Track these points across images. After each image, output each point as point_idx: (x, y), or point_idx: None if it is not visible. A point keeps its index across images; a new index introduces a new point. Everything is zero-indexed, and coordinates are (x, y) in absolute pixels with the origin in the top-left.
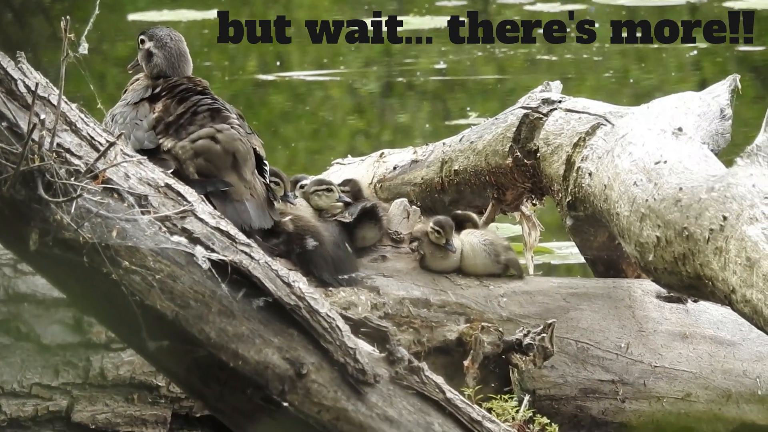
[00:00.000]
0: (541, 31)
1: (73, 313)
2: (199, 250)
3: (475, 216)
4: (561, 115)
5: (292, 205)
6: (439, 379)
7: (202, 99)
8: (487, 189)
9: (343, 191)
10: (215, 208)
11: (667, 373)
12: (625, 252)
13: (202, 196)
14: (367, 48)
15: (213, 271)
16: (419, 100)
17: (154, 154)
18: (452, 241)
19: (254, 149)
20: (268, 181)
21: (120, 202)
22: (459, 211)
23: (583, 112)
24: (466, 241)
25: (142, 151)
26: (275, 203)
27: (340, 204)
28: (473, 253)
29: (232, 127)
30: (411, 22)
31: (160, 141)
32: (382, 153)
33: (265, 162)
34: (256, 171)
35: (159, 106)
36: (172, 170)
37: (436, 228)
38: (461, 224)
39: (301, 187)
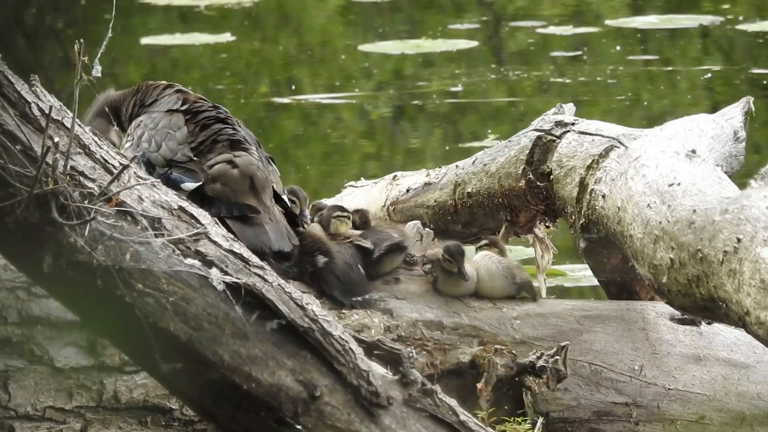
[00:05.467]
0: (553, 53)
1: (87, 335)
2: (214, 272)
3: (501, 242)
4: (574, 138)
5: (306, 225)
6: (453, 402)
7: (224, 128)
8: (501, 211)
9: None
10: (233, 230)
11: (681, 395)
12: (639, 274)
13: (216, 218)
14: (380, 71)
15: (227, 293)
16: (431, 123)
17: (183, 165)
18: (464, 269)
19: (272, 185)
20: (286, 207)
21: (133, 224)
22: (491, 236)
23: (596, 135)
24: (482, 265)
25: (172, 161)
26: (296, 225)
27: (355, 232)
28: (489, 277)
29: (250, 155)
30: (423, 45)
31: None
32: (395, 176)
33: (282, 196)
34: (273, 199)
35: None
36: (202, 182)
37: (447, 257)
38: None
39: (320, 214)
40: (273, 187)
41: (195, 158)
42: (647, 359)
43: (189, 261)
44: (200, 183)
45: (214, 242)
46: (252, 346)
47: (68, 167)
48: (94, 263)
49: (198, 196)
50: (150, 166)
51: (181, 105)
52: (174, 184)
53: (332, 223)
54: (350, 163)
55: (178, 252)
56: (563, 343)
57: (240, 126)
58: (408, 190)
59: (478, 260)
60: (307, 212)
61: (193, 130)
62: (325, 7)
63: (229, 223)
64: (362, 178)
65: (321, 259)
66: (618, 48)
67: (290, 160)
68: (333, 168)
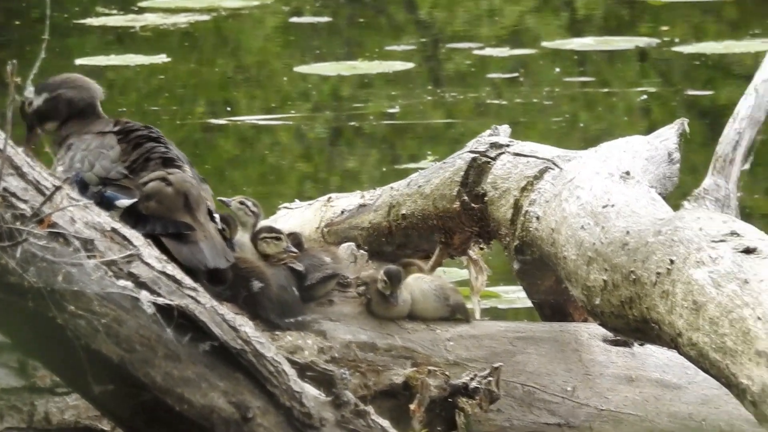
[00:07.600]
0: (490, 75)
1: (18, 357)
2: (144, 295)
3: (420, 263)
4: (509, 159)
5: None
6: (386, 423)
7: (156, 146)
8: (435, 233)
9: None
10: (169, 248)
11: (613, 416)
12: (572, 295)
13: (150, 238)
14: (317, 92)
15: (158, 315)
16: (368, 145)
17: (118, 182)
18: (396, 294)
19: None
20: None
21: (66, 246)
22: (405, 259)
23: (531, 156)
24: (415, 286)
25: (106, 179)
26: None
27: (285, 255)
28: (423, 298)
29: (183, 172)
30: (360, 67)
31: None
32: (330, 197)
33: (215, 214)
34: (208, 216)
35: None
36: (137, 199)
37: (384, 278)
38: (406, 269)
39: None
40: (207, 204)
41: (129, 176)
42: (580, 380)
43: (121, 283)
44: (135, 200)
45: (147, 264)
46: (184, 368)
47: (0, 188)
48: (25, 285)
49: (132, 214)
50: (84, 186)
51: (114, 126)
52: (109, 202)
53: (259, 245)
54: (287, 185)
55: (110, 274)
56: (496, 365)
57: (171, 146)
58: (342, 212)
59: (410, 282)
60: (236, 241)
61: (126, 149)
62: (263, 28)
63: (164, 240)
64: (297, 200)
65: (257, 285)
66: (556, 70)
67: (227, 181)
68: (270, 189)
